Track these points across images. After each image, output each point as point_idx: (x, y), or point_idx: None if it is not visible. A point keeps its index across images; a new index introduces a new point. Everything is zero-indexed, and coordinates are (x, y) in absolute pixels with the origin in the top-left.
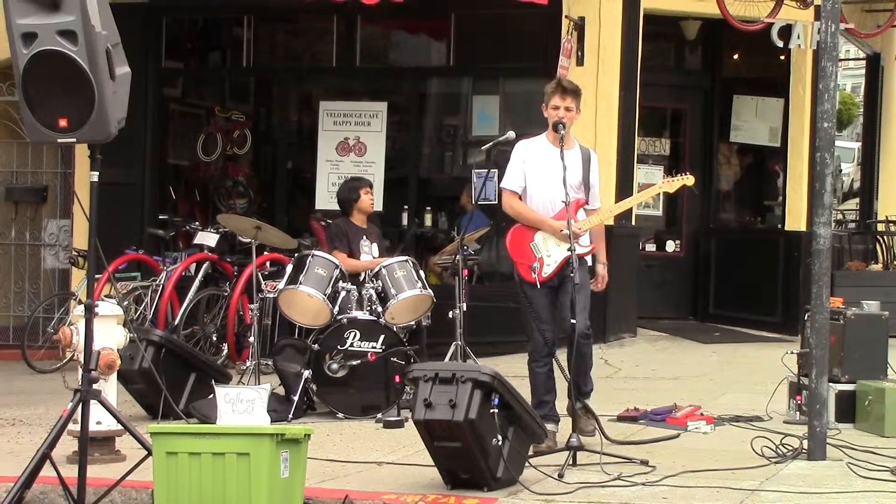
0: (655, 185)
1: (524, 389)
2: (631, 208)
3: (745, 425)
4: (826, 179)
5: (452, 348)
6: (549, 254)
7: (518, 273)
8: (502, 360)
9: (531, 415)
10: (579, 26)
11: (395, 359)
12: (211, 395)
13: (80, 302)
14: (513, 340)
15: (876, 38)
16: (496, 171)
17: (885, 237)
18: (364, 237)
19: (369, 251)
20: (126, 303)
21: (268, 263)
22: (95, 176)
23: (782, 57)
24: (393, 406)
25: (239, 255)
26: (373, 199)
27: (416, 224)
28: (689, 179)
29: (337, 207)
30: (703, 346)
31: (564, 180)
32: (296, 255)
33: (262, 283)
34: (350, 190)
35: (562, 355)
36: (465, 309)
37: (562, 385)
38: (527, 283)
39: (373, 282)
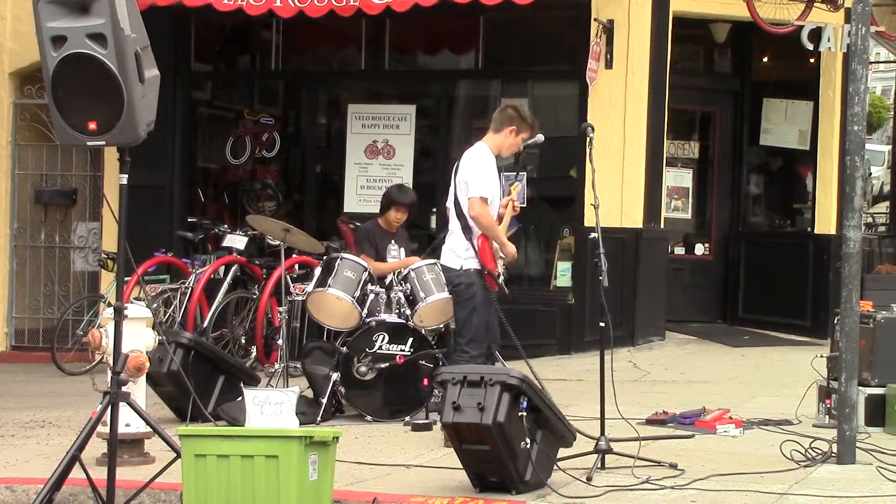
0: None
1: (554, 393)
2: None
3: (774, 429)
4: (856, 183)
5: None
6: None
7: (485, 280)
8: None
9: (560, 418)
10: (608, 29)
11: (423, 362)
12: (239, 398)
13: (109, 304)
14: (541, 343)
15: None
16: (524, 173)
17: None
18: (392, 241)
19: (397, 255)
20: (155, 305)
21: (296, 266)
22: (125, 179)
23: (812, 60)
24: (421, 409)
25: (268, 257)
26: (400, 219)
27: (445, 227)
28: (514, 188)
29: (365, 210)
30: (732, 350)
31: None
32: (324, 257)
33: (291, 285)
34: (388, 200)
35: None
36: None
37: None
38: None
39: (401, 285)
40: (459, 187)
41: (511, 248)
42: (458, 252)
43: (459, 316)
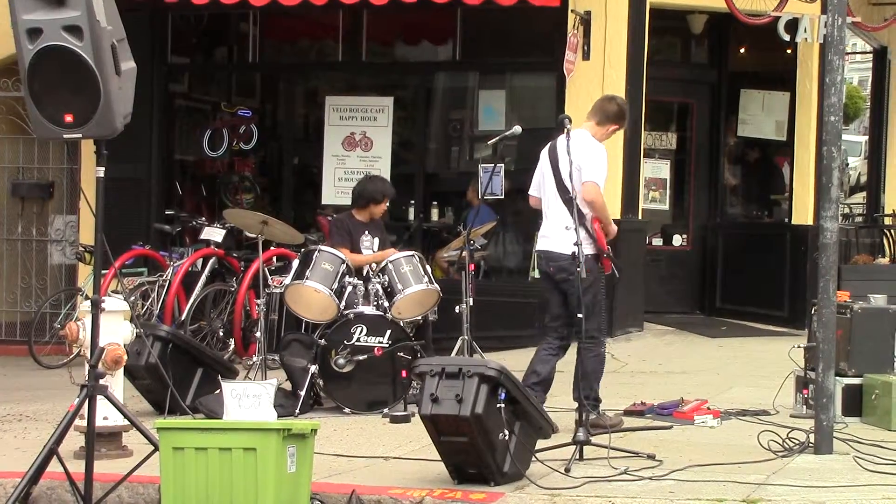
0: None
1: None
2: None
3: (751, 419)
4: (833, 173)
5: (459, 343)
6: None
7: (602, 265)
8: (509, 355)
9: (537, 409)
10: (585, 21)
11: (401, 354)
12: (217, 391)
13: (86, 297)
14: (519, 335)
15: (883, 31)
16: (502, 165)
17: (892, 231)
18: (365, 231)
19: (370, 245)
20: (133, 298)
21: (274, 258)
22: (101, 171)
23: (789, 51)
24: (399, 401)
25: (245, 250)
26: (383, 211)
27: (423, 219)
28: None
29: (343, 202)
30: (709, 341)
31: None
32: (302, 250)
33: (269, 278)
34: (376, 191)
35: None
36: (471, 304)
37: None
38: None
39: (379, 276)
40: (572, 172)
41: (614, 227)
42: (569, 238)
43: (585, 303)
